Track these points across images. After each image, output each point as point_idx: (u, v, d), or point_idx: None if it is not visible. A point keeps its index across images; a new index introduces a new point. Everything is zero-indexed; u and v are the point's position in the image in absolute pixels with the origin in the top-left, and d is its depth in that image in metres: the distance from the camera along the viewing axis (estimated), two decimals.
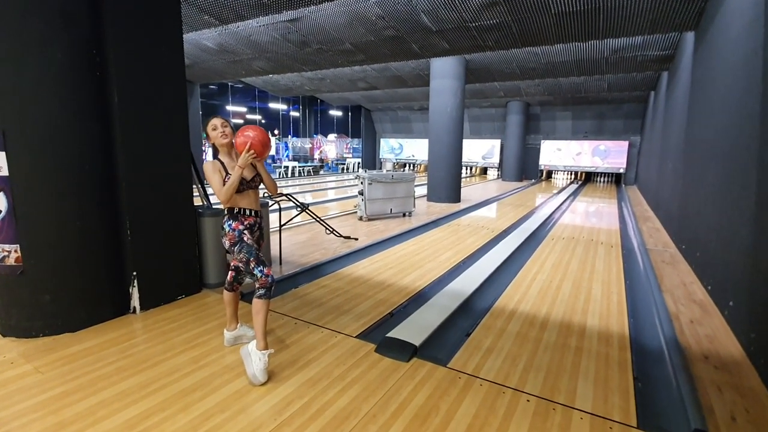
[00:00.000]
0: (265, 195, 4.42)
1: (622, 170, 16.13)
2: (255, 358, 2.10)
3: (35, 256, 2.52)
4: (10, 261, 2.49)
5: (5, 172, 2.42)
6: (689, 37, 5.98)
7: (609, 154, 16.33)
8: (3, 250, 2.49)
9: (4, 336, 2.55)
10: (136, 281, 2.91)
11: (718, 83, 3.95)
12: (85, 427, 1.75)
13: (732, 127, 3.31)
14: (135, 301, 2.93)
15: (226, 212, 2.28)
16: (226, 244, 2.27)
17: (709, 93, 4.36)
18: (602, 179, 17.03)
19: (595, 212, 8.98)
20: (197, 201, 3.56)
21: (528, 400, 2.01)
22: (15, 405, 1.88)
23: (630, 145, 15.86)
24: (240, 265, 2.28)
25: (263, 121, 27.39)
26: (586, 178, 17.58)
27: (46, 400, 1.92)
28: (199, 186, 3.74)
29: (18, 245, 2.48)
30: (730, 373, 2.33)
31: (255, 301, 2.19)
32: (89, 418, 1.81)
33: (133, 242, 2.87)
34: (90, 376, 2.13)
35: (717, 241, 3.48)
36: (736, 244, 2.95)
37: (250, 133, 2.13)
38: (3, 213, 2.46)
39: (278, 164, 18.67)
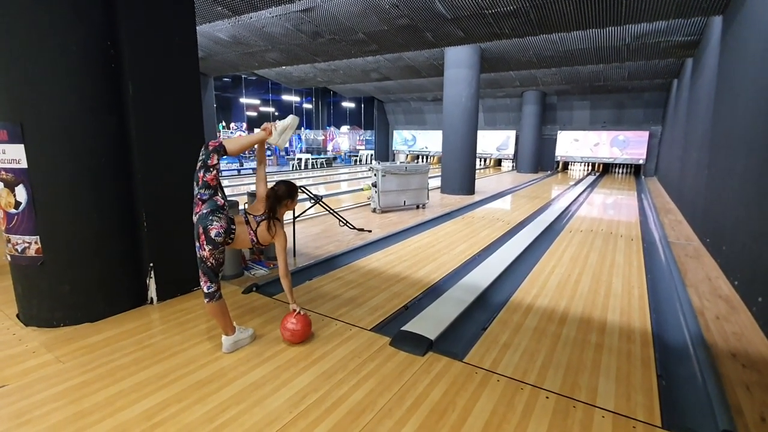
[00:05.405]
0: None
1: (641, 161, 15.69)
2: (243, 336, 2.42)
3: (54, 247, 2.56)
4: (31, 252, 2.54)
5: (24, 165, 2.45)
6: (716, 21, 5.71)
7: (628, 145, 15.88)
8: (24, 242, 2.53)
9: (26, 325, 2.61)
10: (152, 272, 2.93)
11: (748, 70, 3.76)
12: (104, 416, 1.77)
13: (762, 116, 3.15)
14: (152, 292, 2.97)
15: (224, 205, 2.33)
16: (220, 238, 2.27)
17: (737, 80, 4.16)
18: (621, 170, 16.59)
19: (613, 204, 8.76)
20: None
21: (547, 397, 1.96)
22: (37, 394, 1.92)
23: (650, 135, 15.38)
24: (214, 264, 2.29)
25: (276, 114, 27.46)
26: (604, 170, 17.15)
27: (66, 390, 1.95)
28: None
29: (38, 237, 2.52)
30: (759, 372, 2.24)
31: (222, 302, 2.33)
32: (108, 408, 1.83)
33: (149, 234, 2.89)
34: (109, 366, 2.16)
35: (745, 234, 3.34)
36: (767, 237, 2.82)
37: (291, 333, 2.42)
38: (23, 205, 2.49)
39: (291, 156, 18.72)
